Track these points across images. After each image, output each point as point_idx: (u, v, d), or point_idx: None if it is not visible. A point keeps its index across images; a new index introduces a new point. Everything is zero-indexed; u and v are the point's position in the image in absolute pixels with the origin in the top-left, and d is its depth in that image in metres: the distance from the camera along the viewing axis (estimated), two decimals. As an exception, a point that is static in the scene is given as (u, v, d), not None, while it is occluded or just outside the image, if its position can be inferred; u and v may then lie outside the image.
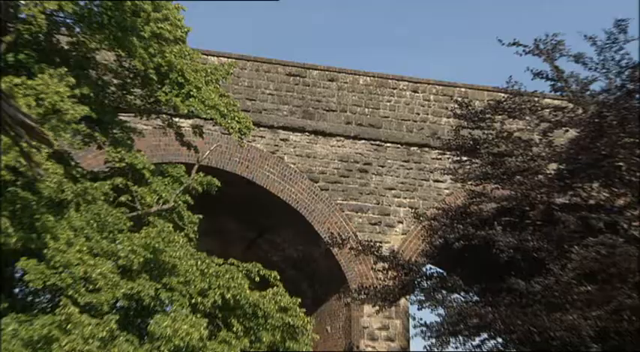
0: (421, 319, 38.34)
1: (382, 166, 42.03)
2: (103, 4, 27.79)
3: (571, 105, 37.62)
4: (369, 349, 39.38)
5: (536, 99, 37.90)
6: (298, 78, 41.16)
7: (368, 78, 42.68)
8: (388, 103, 42.42)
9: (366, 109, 42.11)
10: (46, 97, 25.98)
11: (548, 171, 36.66)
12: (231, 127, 30.85)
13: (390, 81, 42.99)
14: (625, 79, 37.25)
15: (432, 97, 42.85)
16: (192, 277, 27.73)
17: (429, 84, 43.22)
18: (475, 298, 37.28)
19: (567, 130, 37.51)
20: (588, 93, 37.58)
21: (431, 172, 41.73)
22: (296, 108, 40.76)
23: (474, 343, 36.13)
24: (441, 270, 39.10)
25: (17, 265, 26.65)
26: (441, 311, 36.97)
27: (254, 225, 40.90)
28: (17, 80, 25.69)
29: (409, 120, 42.47)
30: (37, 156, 25.07)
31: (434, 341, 36.42)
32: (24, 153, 22.72)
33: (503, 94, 38.00)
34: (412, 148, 42.19)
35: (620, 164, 36.12)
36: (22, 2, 24.27)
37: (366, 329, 39.92)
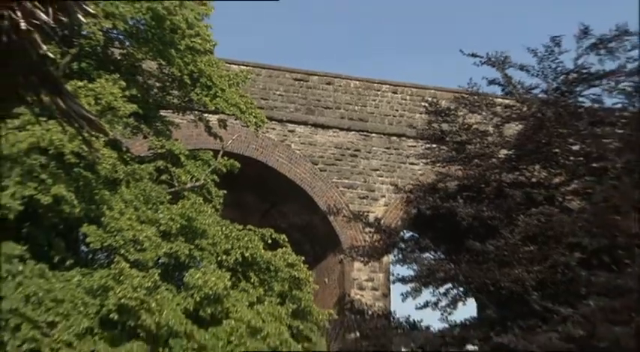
0: (399, 274, 38.66)
1: (369, 152, 42.21)
2: (147, 23, 28.10)
3: (518, 104, 37.80)
4: (358, 296, 39.72)
5: (490, 98, 38.19)
6: (302, 82, 41.44)
7: (357, 82, 42.92)
8: (373, 102, 42.71)
9: (356, 107, 42.38)
10: (103, 97, 26.12)
11: (499, 156, 36.83)
12: (249, 121, 31.10)
13: (374, 84, 43.25)
14: (559, 83, 37.45)
15: (408, 97, 43.07)
16: (218, 239, 27.82)
17: (405, 86, 43.44)
18: (442, 256, 37.39)
19: (515, 124, 37.72)
20: (531, 94, 37.81)
21: (407, 157, 41.83)
22: (300, 106, 41.05)
23: (440, 291, 36.34)
24: (415, 234, 39.33)
25: (81, 230, 26.71)
26: (415, 266, 37.18)
27: (267, 199, 41.00)
28: (80, 83, 26.00)
29: (390, 115, 42.73)
30: (95, 143, 25.16)
31: (409, 289, 36.63)
32: (86, 141, 22.80)
33: (464, 94, 38.32)
34: (392, 138, 42.36)
35: (556, 150, 36.33)
36: (84, 21, 24.27)
37: (355, 280, 40.12)
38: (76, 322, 24.86)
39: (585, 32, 37.04)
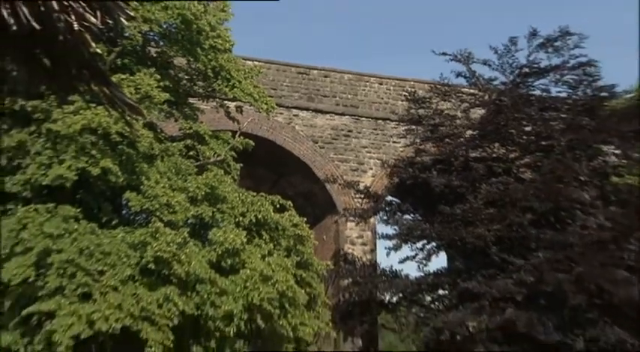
0: (383, 232, 38.78)
1: (359, 133, 42.22)
2: (178, 26, 28.35)
3: (481, 93, 37.92)
4: (350, 250, 39.81)
5: (458, 89, 38.34)
6: (304, 75, 41.48)
7: (350, 75, 42.97)
8: (363, 91, 42.73)
9: (349, 95, 42.39)
10: (141, 87, 26.19)
11: (466, 136, 36.92)
12: (261, 107, 31.20)
13: (364, 77, 43.28)
14: (515, 76, 37.64)
15: (391, 88, 43.08)
16: (235, 204, 27.92)
17: (389, 79, 43.43)
18: (418, 218, 37.51)
19: (479, 109, 37.88)
20: (491, 85, 37.95)
21: (391, 136, 41.86)
22: (302, 95, 41.09)
23: (417, 246, 36.46)
24: (396, 200, 39.43)
25: (124, 196, 26.79)
26: (397, 226, 37.31)
27: (276, 171, 41.03)
28: (123, 76, 26.22)
29: (376, 102, 42.76)
30: (135, 125, 25.38)
31: (392, 245, 36.84)
32: (127, 123, 22.94)
33: (437, 85, 38.47)
34: (378, 121, 42.40)
35: (512, 131, 36.48)
36: (126, 24, 24.60)
37: (348, 237, 40.24)
38: (121, 270, 25.01)
39: (534, 34, 37.29)
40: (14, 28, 4.91)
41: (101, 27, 5.40)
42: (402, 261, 37.69)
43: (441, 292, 36.54)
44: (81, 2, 5.04)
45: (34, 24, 4.95)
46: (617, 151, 37.25)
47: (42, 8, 4.91)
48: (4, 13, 4.78)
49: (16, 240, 25.04)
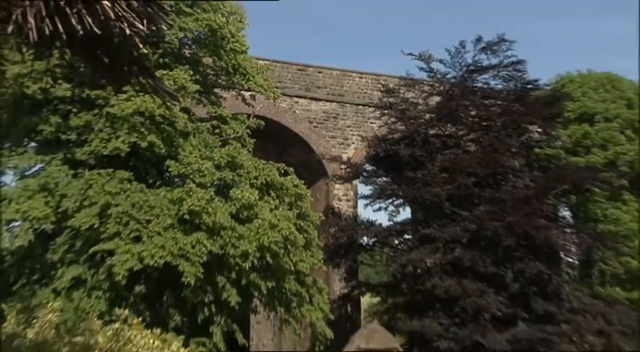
0: (362, 192, 38.99)
1: (345, 115, 42.18)
2: (206, 33, 28.69)
3: (437, 85, 37.89)
4: (337, 205, 39.96)
5: (420, 81, 38.30)
6: (302, 71, 41.42)
7: (338, 71, 42.91)
8: (347, 84, 42.65)
9: (337, 87, 42.28)
10: (178, 80, 26.15)
11: (426, 118, 36.95)
12: (269, 96, 31.40)
13: (348, 73, 43.22)
14: (463, 72, 37.75)
15: (369, 81, 43.00)
16: (250, 170, 28.00)
17: (368, 74, 43.28)
18: (389, 181, 37.52)
19: (436, 97, 37.95)
20: (445, 79, 37.94)
21: (369, 119, 41.82)
22: (301, 86, 41.05)
23: (388, 202, 36.57)
24: (373, 167, 39.43)
25: (165, 163, 26.86)
26: (373, 187, 37.47)
27: (280, 145, 40.92)
28: (164, 72, 26.19)
29: (358, 92, 42.67)
30: (174, 109, 25.35)
31: (369, 201, 37.04)
32: (167, 108, 23.13)
33: (404, 79, 38.46)
34: (359, 107, 42.37)
35: (461, 114, 36.76)
36: (166, 31, 24.74)
37: (335, 195, 40.31)
38: (163, 220, 25.07)
39: (479, 39, 37.35)
40: (81, 33, 4.99)
41: (147, 33, 5.47)
42: (375, 210, 38.17)
43: (405, 236, 36.78)
44: (131, 12, 5.13)
45: (96, 30, 5.04)
46: (539, 129, 37.53)
47: (102, 17, 4.99)
48: (74, 21, 4.86)
49: (84, 196, 25.16)
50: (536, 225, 32.97)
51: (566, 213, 39.09)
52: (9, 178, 27.77)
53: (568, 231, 37.15)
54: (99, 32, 5.03)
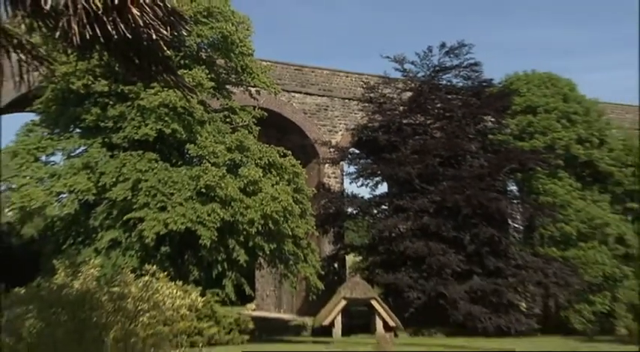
0: (347, 171, 38.99)
1: (333, 108, 41.76)
2: (219, 39, 28.49)
3: (409, 82, 37.81)
4: (327, 181, 39.60)
5: (395, 79, 38.16)
6: (299, 70, 40.90)
7: (328, 71, 42.24)
8: (336, 81, 42.00)
9: (327, 84, 41.74)
10: (196, 78, 25.98)
11: (400, 110, 36.87)
12: (271, 91, 31.30)
13: (336, 72, 42.39)
14: (430, 72, 37.72)
15: (354, 79, 42.38)
16: (255, 152, 27.87)
17: (352, 73, 42.51)
18: (370, 161, 37.42)
19: (408, 93, 37.84)
20: (416, 77, 37.83)
21: (353, 110, 41.23)
22: (298, 83, 40.58)
23: (369, 179, 36.59)
24: (356, 150, 39.30)
25: (185, 147, 26.82)
26: (356, 166, 37.43)
27: (280, 132, 40.38)
28: (184, 71, 26.01)
29: (344, 88, 42.03)
30: (192, 101, 25.24)
31: (353, 178, 37.12)
32: (187, 100, 23.08)
33: (383, 78, 38.30)
34: (345, 100, 41.88)
35: (429, 107, 37.09)
36: (186, 36, 24.56)
37: (325, 173, 39.85)
38: (184, 193, 25.01)
39: (443, 45, 37.27)
40: (115, 37, 4.95)
41: (170, 38, 5.42)
42: (359, 186, 38.13)
43: (383, 207, 36.84)
44: (157, 21, 5.08)
45: (128, 35, 4.99)
46: (492, 119, 37.53)
47: (133, 24, 4.95)
48: (109, 28, 4.83)
49: (119, 173, 25.18)
50: (489, 197, 33.33)
51: (513, 187, 39.22)
52: (58, 158, 27.86)
53: (515, 202, 37.67)
54: (130, 37, 4.98)
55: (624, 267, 36.88)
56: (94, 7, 4.52)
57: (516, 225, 38.03)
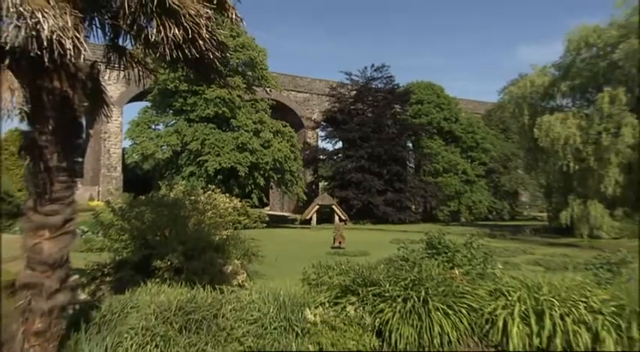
0: (320, 135, 38.38)
1: (313, 99, 40.46)
2: (247, 60, 27.07)
3: (355, 85, 36.57)
4: (309, 141, 38.59)
5: (348, 85, 37.08)
6: (293, 78, 39.37)
7: (310, 78, 40.75)
8: (314, 84, 40.29)
9: (310, 86, 40.38)
10: (235, 82, 25.35)
11: (350, 101, 35.66)
12: (278, 89, 30.57)
13: (316, 80, 40.76)
14: (365, 80, 36.58)
15: (323, 84, 40.98)
16: (268, 124, 27.44)
17: (324, 80, 40.72)
18: (333, 129, 36.61)
19: (353, 92, 36.89)
20: (358, 84, 36.59)
21: (328, 101, 39.21)
22: (292, 85, 39.05)
23: (332, 139, 36.21)
24: (325, 123, 37.85)
25: (230, 120, 26.37)
26: (326, 131, 37.02)
27: (283, 113, 39.37)
28: (229, 78, 24.61)
29: (319, 88, 40.39)
30: (233, 94, 24.59)
31: (323, 139, 36.82)
32: (230, 94, 22.08)
33: (342, 83, 37.22)
34: (320, 95, 40.44)
35: (364, 99, 35.71)
36: (230, 58, 23.64)
37: (308, 136, 38.82)
38: (229, 146, 24.84)
39: (372, 65, 36.29)
40: (190, 57, 4.83)
41: (220, 58, 5.28)
42: (327, 143, 37.48)
43: (339, 155, 35.57)
44: (213, 48, 4.94)
45: (197, 56, 4.88)
46: (399, 107, 36.58)
47: (200, 50, 4.81)
48: (187, 52, 4.72)
49: (193, 135, 25.07)
50: (397, 150, 33.14)
51: (410, 144, 39.16)
52: (160, 127, 27.50)
53: (410, 152, 37.45)
54: (198, 57, 4.91)
55: (466, 187, 37.61)
56: (178, 40, 4.45)
57: (411, 165, 38.20)
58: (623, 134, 20.20)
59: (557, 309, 4.97)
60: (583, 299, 5.07)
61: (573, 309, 4.97)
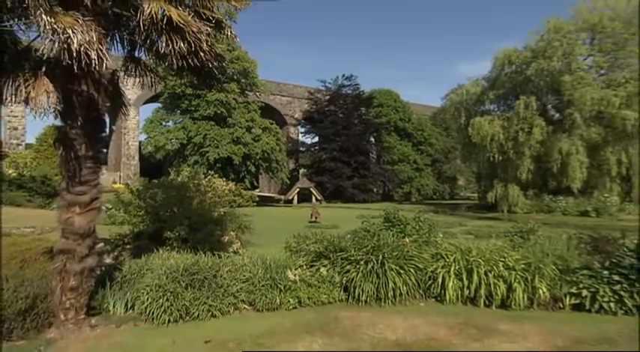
0: (301, 131, 37.66)
1: (295, 102, 39.48)
2: (241, 70, 25.67)
3: (328, 90, 36.09)
4: (292, 136, 37.74)
5: (324, 90, 36.58)
6: (278, 84, 38.08)
7: (292, 85, 39.64)
8: (296, 89, 39.26)
9: (292, 91, 39.56)
10: (231, 87, 24.77)
11: (325, 103, 35.19)
12: (266, 93, 30.09)
13: (297, 86, 39.61)
14: (337, 87, 36.14)
15: (303, 90, 39.87)
16: (258, 122, 27.00)
17: (303, 86, 39.49)
18: (311, 126, 35.93)
19: (328, 97, 36.42)
20: (331, 90, 36.05)
21: (305, 103, 38.60)
22: (277, 90, 38.03)
23: (310, 134, 35.76)
24: (305, 121, 37.35)
25: (227, 118, 25.79)
26: (305, 129, 36.54)
27: (270, 113, 38.67)
28: (226, 84, 24.03)
29: (300, 93, 39.45)
30: (229, 97, 23.95)
31: (303, 134, 36.44)
32: (227, 97, 21.50)
33: (319, 89, 36.65)
34: (301, 100, 39.45)
35: (337, 103, 35.18)
36: (227, 68, 22.63)
37: (291, 132, 38.02)
38: (226, 140, 24.36)
39: (344, 74, 36.16)
40: (193, 66, 4.78)
41: (218, 68, 5.25)
42: (306, 138, 37.11)
43: (316, 147, 35.24)
44: (212, 59, 4.89)
45: (198, 64, 4.84)
46: (364, 109, 36.25)
47: (201, 60, 4.77)
48: (190, 61, 4.67)
49: (197, 131, 24.45)
50: (362, 144, 33.18)
51: (372, 139, 39.20)
52: (170, 124, 26.62)
53: (373, 146, 37.29)
54: (199, 65, 4.86)
55: (416, 173, 38.12)
56: (183, 52, 4.40)
57: (373, 156, 38.27)
58: (534, 133, 21.28)
59: (482, 267, 5.21)
60: (501, 259, 5.31)
61: (494, 267, 5.21)
